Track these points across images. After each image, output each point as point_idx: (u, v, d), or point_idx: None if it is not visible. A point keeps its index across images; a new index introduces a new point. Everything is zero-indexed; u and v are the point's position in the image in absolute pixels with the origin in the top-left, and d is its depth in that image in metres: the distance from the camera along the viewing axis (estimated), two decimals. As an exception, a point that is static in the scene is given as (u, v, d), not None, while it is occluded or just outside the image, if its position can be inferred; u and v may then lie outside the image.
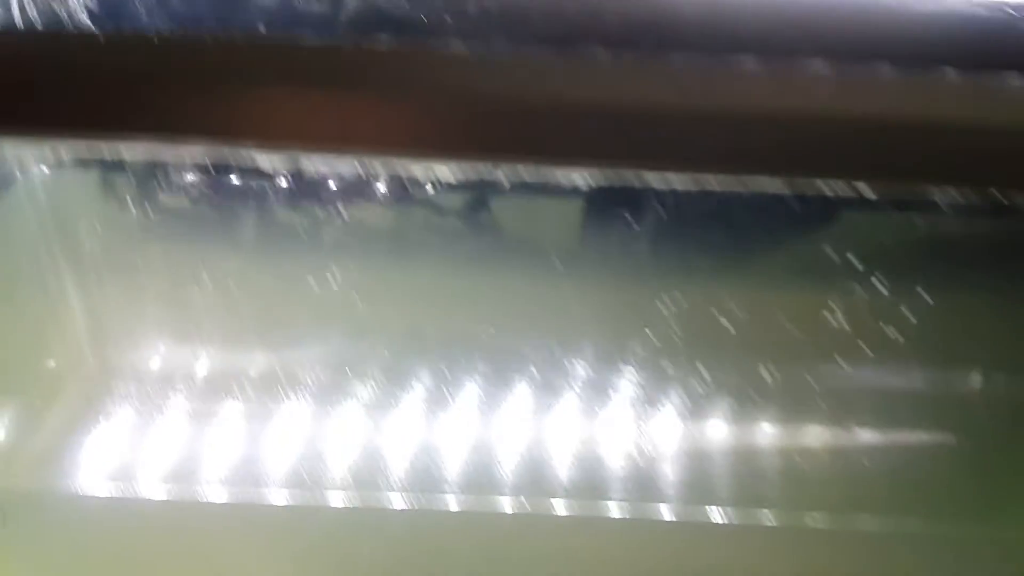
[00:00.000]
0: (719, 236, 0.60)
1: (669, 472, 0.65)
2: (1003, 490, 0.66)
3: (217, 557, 0.59)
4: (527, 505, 0.63)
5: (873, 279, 0.60)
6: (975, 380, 0.66)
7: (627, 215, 0.59)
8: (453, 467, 0.65)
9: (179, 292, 0.62)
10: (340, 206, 0.59)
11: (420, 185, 0.58)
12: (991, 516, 0.65)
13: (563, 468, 0.65)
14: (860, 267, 0.59)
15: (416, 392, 0.66)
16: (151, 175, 0.57)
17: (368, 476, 0.64)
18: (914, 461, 0.67)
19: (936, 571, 0.62)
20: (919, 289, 0.61)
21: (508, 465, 0.65)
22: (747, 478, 0.66)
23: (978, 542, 0.63)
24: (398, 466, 0.64)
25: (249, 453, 0.64)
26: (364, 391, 0.66)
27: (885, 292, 0.60)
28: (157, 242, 0.61)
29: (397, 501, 0.62)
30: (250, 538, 0.60)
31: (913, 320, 0.62)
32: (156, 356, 0.66)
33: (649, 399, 0.66)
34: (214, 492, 0.62)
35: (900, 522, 0.63)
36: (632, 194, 0.58)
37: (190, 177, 0.58)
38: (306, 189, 0.59)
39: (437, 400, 0.66)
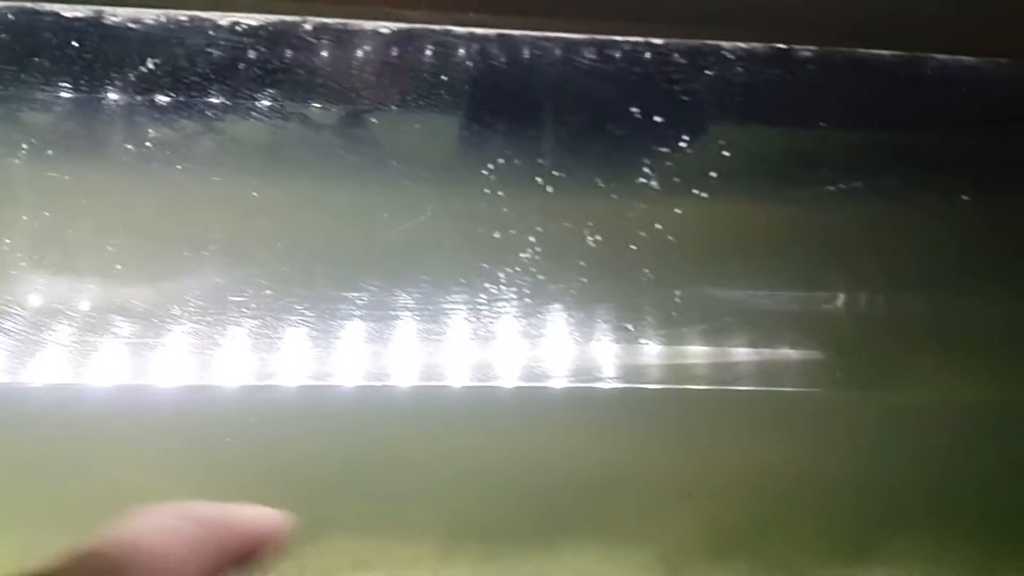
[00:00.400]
0: (594, 148, 0.62)
1: (557, 354, 0.69)
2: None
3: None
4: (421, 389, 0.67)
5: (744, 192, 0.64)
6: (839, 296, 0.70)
7: (505, 130, 0.61)
8: (347, 364, 0.68)
9: (52, 216, 0.62)
10: (216, 123, 0.60)
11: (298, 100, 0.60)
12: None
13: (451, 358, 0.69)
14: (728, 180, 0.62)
15: (299, 308, 0.67)
16: (17, 92, 0.57)
17: (259, 394, 0.66)
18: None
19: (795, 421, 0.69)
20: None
21: (402, 361, 0.68)
22: (630, 360, 0.70)
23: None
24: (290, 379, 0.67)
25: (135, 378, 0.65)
26: (245, 307, 0.66)
27: (757, 203, 0.64)
28: (24, 164, 0.60)
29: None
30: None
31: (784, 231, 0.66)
32: (31, 283, 0.65)
33: (535, 304, 0.68)
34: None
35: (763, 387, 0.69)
36: (507, 108, 0.60)
37: (61, 94, 0.57)
38: (181, 105, 0.59)
39: (322, 314, 0.68)
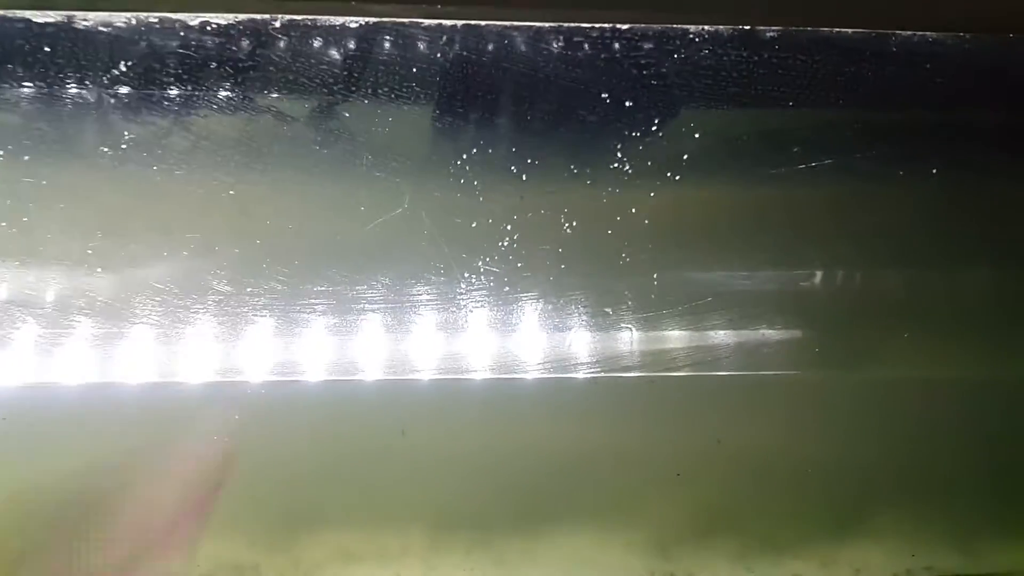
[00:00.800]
0: (566, 135, 0.62)
1: (532, 344, 0.70)
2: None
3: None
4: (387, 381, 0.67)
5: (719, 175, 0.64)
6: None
7: (477, 120, 0.62)
8: (326, 358, 0.68)
9: (21, 212, 0.62)
10: (189, 122, 0.60)
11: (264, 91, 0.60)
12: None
13: (432, 349, 0.69)
14: (700, 163, 0.63)
15: (277, 304, 0.67)
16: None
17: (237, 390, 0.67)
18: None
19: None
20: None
21: (383, 354, 0.69)
22: (610, 345, 0.71)
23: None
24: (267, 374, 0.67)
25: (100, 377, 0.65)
26: (215, 305, 0.67)
27: (729, 185, 0.64)
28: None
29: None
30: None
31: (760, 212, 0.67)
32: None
33: (514, 293, 0.69)
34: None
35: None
36: (478, 98, 0.60)
37: (34, 98, 0.57)
38: (153, 105, 0.59)
39: (300, 308, 0.68)
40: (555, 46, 0.56)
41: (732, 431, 0.72)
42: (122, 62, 0.55)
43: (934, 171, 0.64)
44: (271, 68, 0.58)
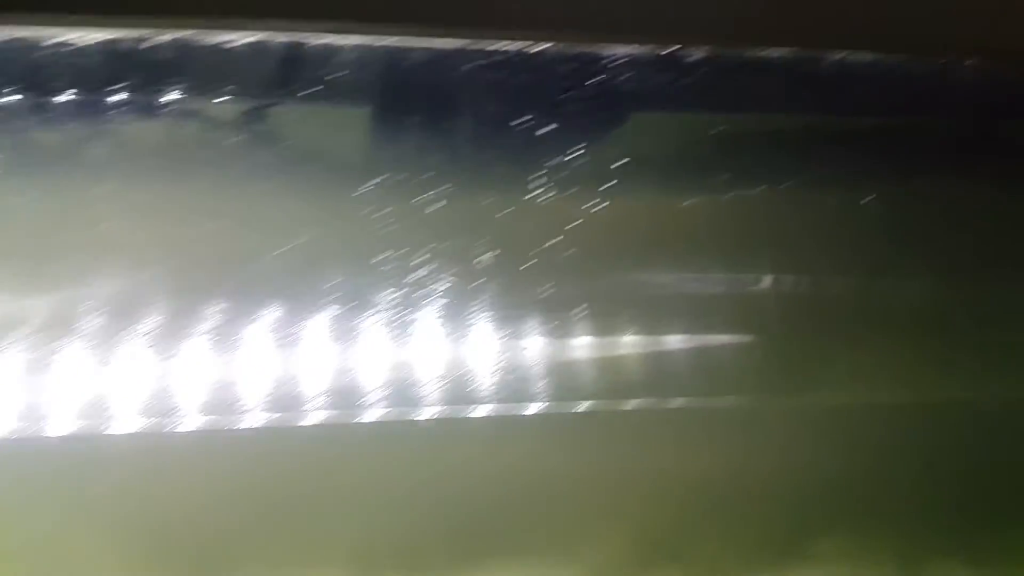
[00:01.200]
0: (486, 159, 0.61)
1: (487, 375, 0.67)
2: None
3: None
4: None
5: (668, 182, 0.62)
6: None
7: (416, 123, 0.59)
8: (255, 391, 0.64)
9: None
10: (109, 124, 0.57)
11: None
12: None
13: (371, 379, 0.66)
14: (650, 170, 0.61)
15: (207, 319, 0.64)
16: None
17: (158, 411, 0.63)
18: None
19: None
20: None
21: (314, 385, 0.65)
22: (537, 378, 0.68)
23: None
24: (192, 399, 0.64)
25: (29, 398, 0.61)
26: (150, 323, 0.63)
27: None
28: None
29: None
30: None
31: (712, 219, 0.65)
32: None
33: (458, 309, 0.66)
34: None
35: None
36: (395, 122, 0.58)
37: None
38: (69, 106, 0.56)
39: (231, 326, 0.64)
40: (473, 67, 0.53)
41: (672, 460, 0.71)
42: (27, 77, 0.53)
43: (868, 198, 0.63)
44: (183, 85, 0.55)
